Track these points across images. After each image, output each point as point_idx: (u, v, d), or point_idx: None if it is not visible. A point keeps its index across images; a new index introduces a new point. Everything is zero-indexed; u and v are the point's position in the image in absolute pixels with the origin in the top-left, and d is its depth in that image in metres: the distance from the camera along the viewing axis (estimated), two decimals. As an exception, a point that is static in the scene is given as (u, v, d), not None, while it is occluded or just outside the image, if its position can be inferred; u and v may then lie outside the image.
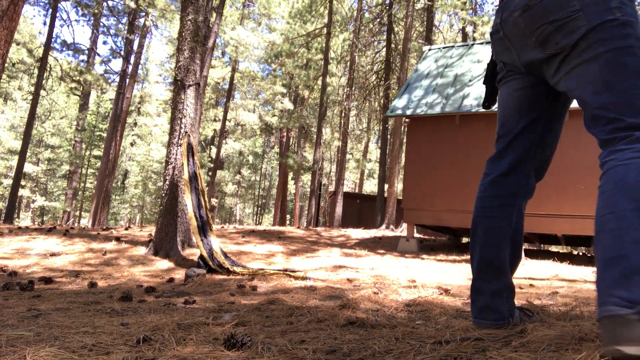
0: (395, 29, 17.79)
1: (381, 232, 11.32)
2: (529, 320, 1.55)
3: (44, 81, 15.64)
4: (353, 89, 18.92)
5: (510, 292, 1.51)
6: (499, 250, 1.49)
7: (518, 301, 2.11)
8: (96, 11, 19.40)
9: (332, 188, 30.46)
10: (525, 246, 8.10)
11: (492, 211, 1.51)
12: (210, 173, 23.43)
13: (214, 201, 23.69)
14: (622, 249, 1.05)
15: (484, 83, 1.65)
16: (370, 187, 39.53)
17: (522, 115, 1.50)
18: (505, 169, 1.52)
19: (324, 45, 20.09)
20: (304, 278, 3.83)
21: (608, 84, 1.22)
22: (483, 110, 7.03)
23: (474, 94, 7.57)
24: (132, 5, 17.57)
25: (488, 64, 1.64)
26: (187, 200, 5.07)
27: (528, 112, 1.50)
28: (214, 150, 28.00)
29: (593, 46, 1.24)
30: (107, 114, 30.25)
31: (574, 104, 5.39)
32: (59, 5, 16.55)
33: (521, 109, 1.50)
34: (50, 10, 16.31)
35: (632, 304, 0.96)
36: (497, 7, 1.51)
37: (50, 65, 16.19)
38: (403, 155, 15.52)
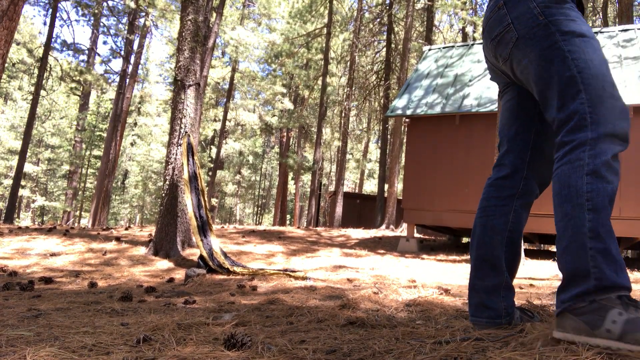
0: (395, 29, 17.80)
1: (381, 232, 11.32)
2: (530, 320, 1.55)
3: (44, 81, 15.64)
4: (353, 89, 18.91)
5: (508, 291, 1.51)
6: (493, 247, 1.52)
7: (518, 301, 2.11)
8: (96, 11, 19.40)
9: (332, 188, 30.45)
10: (525, 246, 8.10)
11: (488, 210, 1.56)
12: (210, 173, 23.43)
13: (214, 201, 23.70)
14: (559, 261, 1.26)
15: None
16: (370, 187, 39.53)
17: (513, 122, 1.58)
18: (504, 173, 1.57)
19: (324, 45, 20.09)
20: (304, 278, 3.83)
21: (545, 81, 1.32)
22: (483, 110, 7.03)
23: (474, 94, 7.57)
24: (132, 5, 17.57)
25: None
26: (187, 200, 5.07)
27: (517, 117, 1.57)
28: (214, 150, 28.00)
29: (526, 52, 1.37)
30: (107, 114, 30.26)
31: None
32: (59, 5, 16.56)
33: (511, 116, 1.59)
34: (50, 10, 16.32)
35: (564, 303, 1.20)
36: None
37: (50, 65, 16.19)
38: (403, 155, 15.53)
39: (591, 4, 18.22)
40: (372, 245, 7.84)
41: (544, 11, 1.34)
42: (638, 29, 7.92)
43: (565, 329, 1.18)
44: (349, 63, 19.09)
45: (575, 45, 1.28)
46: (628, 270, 4.93)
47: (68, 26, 19.81)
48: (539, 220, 6.49)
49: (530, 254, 6.69)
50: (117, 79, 20.72)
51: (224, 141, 24.74)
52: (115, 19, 20.58)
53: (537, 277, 4.24)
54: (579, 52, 1.27)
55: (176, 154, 5.69)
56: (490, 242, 1.52)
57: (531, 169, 1.55)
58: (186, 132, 5.63)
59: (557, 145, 1.29)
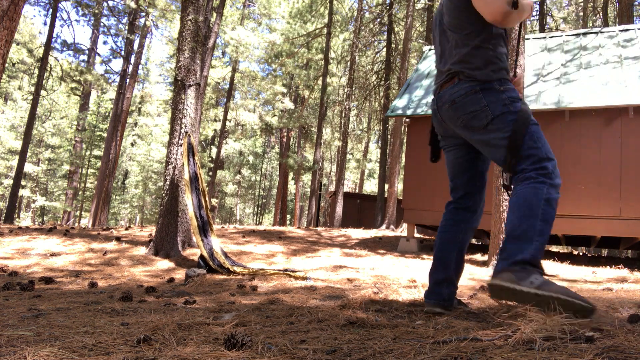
0: (396, 29, 17.79)
1: (381, 232, 11.32)
2: (463, 307, 2.15)
3: (44, 81, 15.64)
4: (353, 89, 18.91)
5: (450, 284, 2.15)
6: (448, 252, 2.19)
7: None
8: (96, 11, 19.41)
9: (332, 188, 30.45)
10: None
11: (452, 229, 2.22)
12: (210, 173, 23.44)
13: (214, 201, 23.70)
14: (509, 238, 1.89)
15: (429, 144, 2.37)
16: (371, 187, 39.53)
17: (464, 173, 2.23)
18: (460, 205, 2.24)
19: (324, 45, 20.09)
20: (304, 278, 3.83)
21: (517, 144, 1.95)
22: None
23: (474, 94, 7.56)
24: (133, 5, 17.58)
25: (431, 131, 2.36)
26: (188, 200, 5.07)
27: (467, 170, 2.23)
28: (214, 150, 28.01)
29: (500, 127, 1.97)
30: (107, 114, 30.26)
31: (578, 104, 5.33)
32: (59, 5, 16.56)
33: (462, 169, 2.23)
34: (51, 10, 16.33)
35: (506, 262, 1.83)
36: (433, 97, 2.22)
37: (50, 65, 16.19)
38: (403, 155, 15.52)
39: (591, 4, 18.20)
40: (373, 245, 7.84)
41: (510, 104, 1.97)
42: (638, 29, 7.91)
43: (503, 279, 1.79)
44: (349, 63, 19.09)
45: (533, 128, 1.96)
46: (628, 270, 4.94)
47: (68, 26, 19.83)
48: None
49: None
50: (118, 79, 20.73)
51: (224, 141, 24.75)
52: (116, 19, 20.60)
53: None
54: (536, 133, 1.95)
55: (176, 154, 5.69)
56: (448, 249, 2.19)
57: (476, 204, 2.23)
58: (186, 132, 5.63)
59: (524, 177, 1.91)
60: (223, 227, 10.48)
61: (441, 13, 2.18)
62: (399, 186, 21.04)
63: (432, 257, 2.40)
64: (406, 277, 3.89)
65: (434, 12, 16.42)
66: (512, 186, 2.01)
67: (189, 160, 5.32)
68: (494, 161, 2.09)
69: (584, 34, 8.35)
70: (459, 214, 2.23)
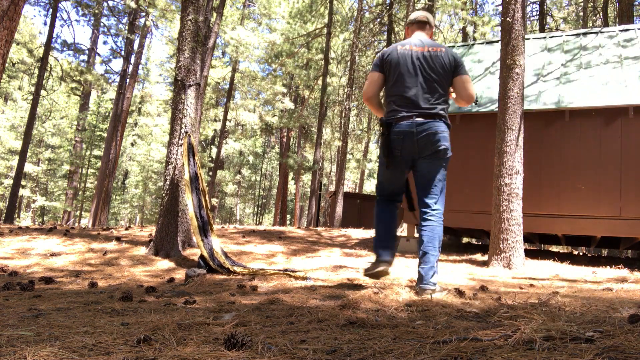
0: (396, 29, 17.78)
1: (381, 232, 11.28)
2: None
3: (44, 81, 15.64)
4: (353, 88, 18.90)
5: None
6: (394, 229, 3.18)
7: (516, 302, 2.10)
8: (97, 11, 19.41)
9: (332, 188, 30.44)
10: (525, 246, 8.09)
11: (393, 214, 3.24)
12: (210, 173, 23.44)
13: (214, 201, 23.70)
14: (432, 267, 2.98)
15: (385, 156, 3.05)
16: (371, 187, 39.53)
17: (402, 182, 3.18)
18: (397, 201, 3.28)
19: (324, 45, 20.09)
20: (304, 278, 3.83)
21: (444, 178, 3.12)
22: (483, 110, 7.03)
23: (474, 94, 7.56)
24: (133, 5, 17.58)
25: (387, 146, 3.03)
26: (188, 200, 5.06)
27: (403, 180, 3.17)
28: (214, 150, 28.01)
29: (444, 166, 3.04)
30: (107, 114, 30.26)
31: (578, 104, 5.32)
32: (60, 5, 16.56)
33: (402, 180, 3.17)
34: (51, 10, 16.33)
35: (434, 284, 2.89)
36: (409, 120, 2.95)
37: (50, 65, 16.19)
38: (403, 155, 15.49)
39: (591, 4, 18.21)
40: (373, 245, 7.83)
41: (449, 148, 3.05)
42: (638, 28, 7.91)
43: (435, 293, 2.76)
44: (349, 63, 19.09)
45: None
46: (628, 270, 4.94)
47: (68, 26, 19.83)
48: (539, 220, 6.48)
49: (530, 254, 6.68)
50: (118, 79, 20.74)
51: (224, 141, 24.75)
52: (116, 19, 20.60)
53: (537, 277, 4.23)
54: None
55: (176, 154, 5.69)
56: (392, 226, 3.18)
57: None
58: (186, 132, 5.63)
59: (432, 209, 3.00)
60: (223, 227, 10.48)
61: (426, 65, 3.02)
62: (399, 186, 20.95)
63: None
64: (406, 277, 3.89)
65: (434, 12, 16.41)
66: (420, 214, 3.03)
67: (189, 160, 5.32)
68: (423, 184, 3.00)
69: (584, 34, 8.35)
70: (395, 206, 3.25)
